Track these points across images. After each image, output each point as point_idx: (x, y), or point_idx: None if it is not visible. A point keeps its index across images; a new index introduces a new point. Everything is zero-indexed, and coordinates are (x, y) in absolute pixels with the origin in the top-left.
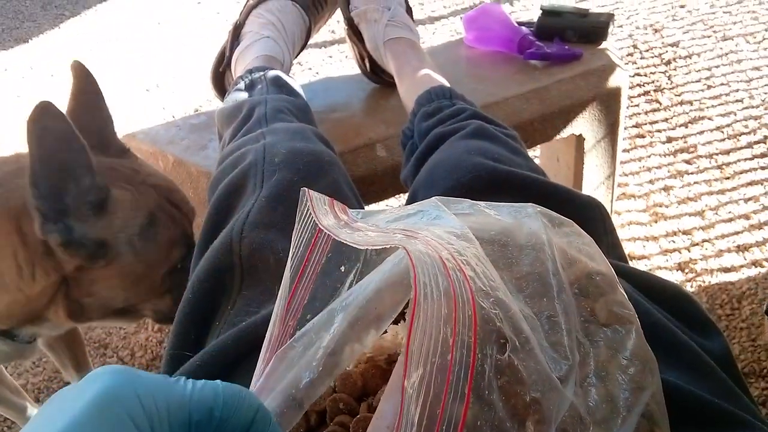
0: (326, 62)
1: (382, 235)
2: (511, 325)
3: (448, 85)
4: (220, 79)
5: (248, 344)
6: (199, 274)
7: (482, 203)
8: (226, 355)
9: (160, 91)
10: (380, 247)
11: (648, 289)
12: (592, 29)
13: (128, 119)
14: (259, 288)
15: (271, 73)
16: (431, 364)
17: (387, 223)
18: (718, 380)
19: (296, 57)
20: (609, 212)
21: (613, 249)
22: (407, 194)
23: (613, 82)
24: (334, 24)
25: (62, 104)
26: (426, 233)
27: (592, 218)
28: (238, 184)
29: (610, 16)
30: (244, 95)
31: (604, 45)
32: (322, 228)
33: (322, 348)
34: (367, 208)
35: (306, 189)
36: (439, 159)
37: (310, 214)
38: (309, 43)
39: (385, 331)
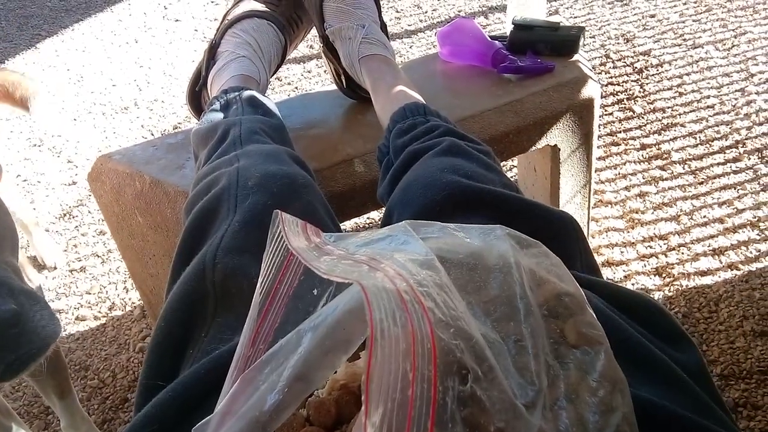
0: (305, 77)
1: (348, 264)
2: (474, 354)
3: (422, 101)
4: (197, 99)
5: (222, 374)
6: (171, 302)
7: (452, 225)
8: (199, 385)
9: (139, 110)
10: (340, 280)
11: (621, 302)
12: (563, 42)
13: (107, 138)
14: (233, 314)
15: (247, 93)
16: (392, 401)
17: (357, 247)
18: (692, 394)
19: (273, 75)
20: (587, 220)
21: (587, 263)
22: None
23: (585, 93)
24: (313, 39)
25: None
26: (389, 262)
27: (565, 233)
28: (212, 208)
29: (580, 29)
30: (220, 116)
31: (575, 57)
32: (292, 250)
33: (289, 369)
34: (346, 223)
35: (279, 211)
36: (413, 177)
37: (282, 236)
38: (288, 58)
39: (359, 357)
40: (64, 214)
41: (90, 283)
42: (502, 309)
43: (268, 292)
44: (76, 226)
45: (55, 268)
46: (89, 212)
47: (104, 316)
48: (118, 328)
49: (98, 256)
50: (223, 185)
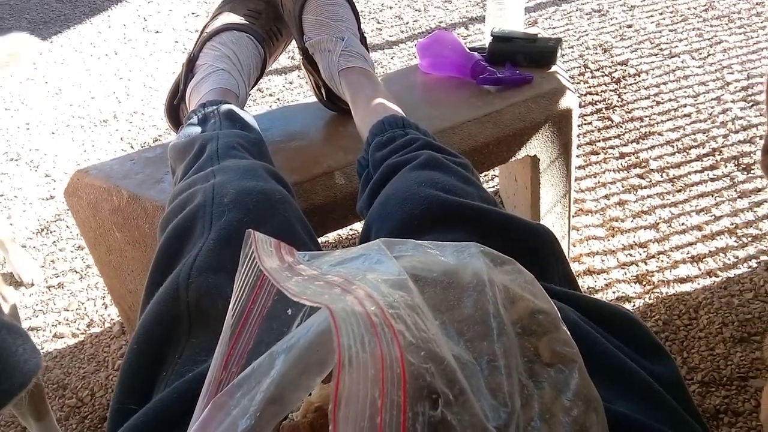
0: (287, 88)
1: (319, 286)
2: (445, 378)
3: (401, 113)
4: (175, 112)
5: (195, 396)
6: (144, 322)
7: (426, 243)
8: (173, 409)
9: (118, 123)
10: (310, 304)
11: (597, 315)
12: (541, 54)
13: (86, 152)
14: (208, 335)
15: (225, 107)
16: (360, 429)
17: (330, 266)
18: (668, 407)
19: (252, 88)
20: (568, 228)
21: (564, 275)
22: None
23: (563, 104)
24: (294, 50)
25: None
26: (361, 283)
27: (543, 246)
28: (186, 226)
29: (557, 41)
30: (197, 130)
31: (553, 68)
32: (264, 271)
33: (262, 392)
34: (329, 234)
35: (251, 231)
36: (391, 191)
37: (255, 256)
38: (269, 69)
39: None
40: (42, 229)
41: (68, 299)
42: (476, 328)
43: (240, 313)
44: (54, 242)
45: (32, 284)
46: (67, 227)
47: (82, 333)
48: (96, 345)
49: (76, 272)
50: (199, 202)
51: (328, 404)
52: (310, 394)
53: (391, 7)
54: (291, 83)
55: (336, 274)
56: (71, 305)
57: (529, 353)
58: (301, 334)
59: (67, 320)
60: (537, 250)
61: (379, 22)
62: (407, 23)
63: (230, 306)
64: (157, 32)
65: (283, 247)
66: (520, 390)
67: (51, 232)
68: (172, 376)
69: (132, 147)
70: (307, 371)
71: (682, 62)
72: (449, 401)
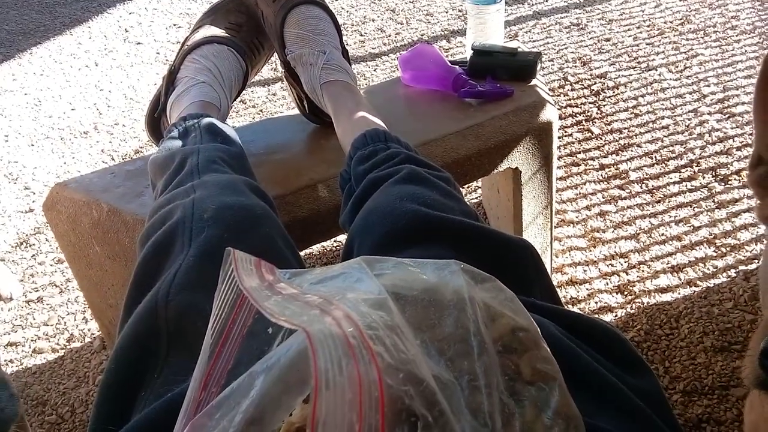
0: (270, 99)
1: (298, 306)
2: (424, 400)
3: (383, 127)
4: (156, 125)
5: (174, 418)
6: (122, 342)
7: (407, 260)
8: (151, 431)
9: (99, 134)
10: (288, 326)
11: (578, 330)
12: (521, 68)
13: (66, 164)
14: (187, 354)
15: (206, 120)
16: None
17: (311, 285)
18: (648, 422)
19: (234, 101)
20: (550, 239)
21: (546, 289)
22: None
23: (543, 117)
24: (277, 62)
25: None
26: (340, 303)
27: (524, 260)
28: (165, 242)
29: (537, 55)
30: (178, 144)
31: (533, 82)
32: (243, 291)
33: (241, 413)
34: (312, 247)
35: (231, 249)
36: (372, 206)
37: (234, 275)
38: (252, 80)
39: None
40: (21, 243)
41: (47, 314)
42: (457, 347)
43: (220, 332)
44: (33, 255)
45: (11, 299)
46: (47, 240)
47: (62, 348)
48: (76, 360)
49: (56, 286)
50: (178, 218)
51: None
52: (291, 414)
53: (373, 20)
54: (274, 95)
55: (316, 293)
56: (51, 320)
57: (510, 371)
58: (281, 353)
59: (47, 335)
60: (518, 264)
61: (361, 35)
62: (390, 36)
63: (209, 325)
64: (139, 43)
65: (263, 265)
66: (501, 409)
67: (30, 246)
68: (150, 396)
69: (113, 159)
70: (287, 391)
71: (660, 75)
72: (428, 424)
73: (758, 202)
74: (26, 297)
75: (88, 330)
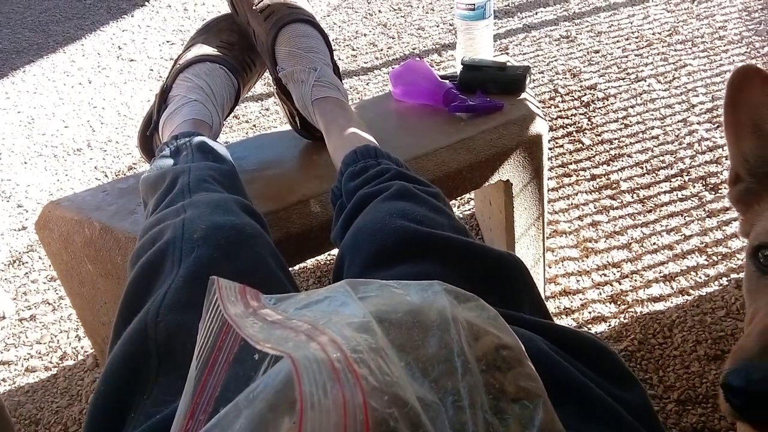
0: (263, 114)
1: (283, 332)
2: (408, 422)
3: (374, 143)
4: (148, 143)
5: None
6: (111, 363)
7: (392, 282)
8: None
9: (92, 151)
10: (273, 352)
11: (567, 344)
12: (510, 82)
13: (59, 181)
14: (176, 375)
15: (197, 139)
16: None
17: (296, 310)
18: None
19: (226, 119)
20: (543, 250)
21: (535, 304)
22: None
23: (533, 130)
24: (269, 77)
25: None
26: (325, 328)
27: (513, 275)
28: (156, 262)
29: (526, 69)
30: (169, 162)
31: (523, 95)
32: (227, 319)
33: None
34: (303, 264)
35: (215, 278)
36: (362, 222)
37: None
38: (245, 96)
39: None
40: (14, 261)
41: (40, 332)
42: (441, 367)
43: (206, 361)
44: (26, 273)
45: (4, 317)
46: (39, 258)
47: (55, 367)
48: (69, 378)
49: (49, 304)
50: (168, 238)
51: None
52: None
53: (365, 35)
54: (267, 110)
55: (301, 318)
56: (44, 338)
57: (494, 390)
58: (267, 381)
59: (40, 353)
60: (507, 280)
61: (353, 50)
62: (381, 50)
63: (195, 354)
64: (132, 61)
65: (248, 292)
66: (486, 428)
67: (23, 264)
68: (140, 417)
69: (106, 176)
70: (274, 419)
71: (649, 86)
72: None
73: (741, 218)
74: (19, 315)
75: (81, 348)
